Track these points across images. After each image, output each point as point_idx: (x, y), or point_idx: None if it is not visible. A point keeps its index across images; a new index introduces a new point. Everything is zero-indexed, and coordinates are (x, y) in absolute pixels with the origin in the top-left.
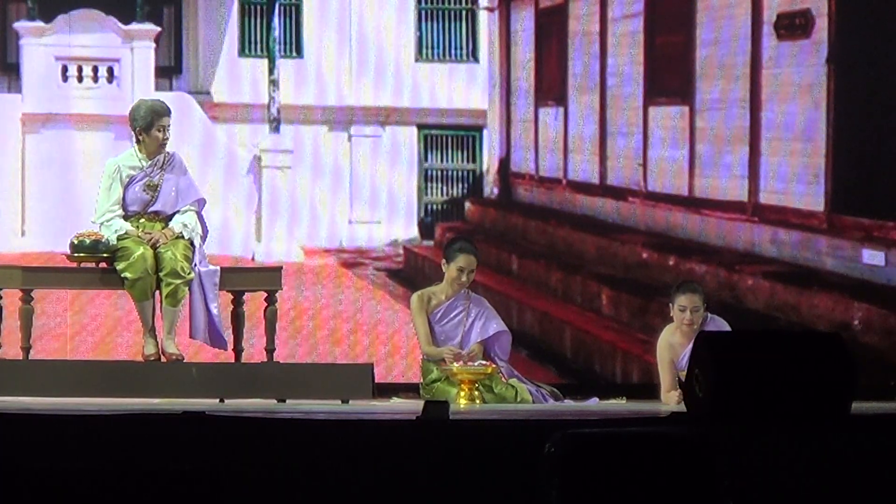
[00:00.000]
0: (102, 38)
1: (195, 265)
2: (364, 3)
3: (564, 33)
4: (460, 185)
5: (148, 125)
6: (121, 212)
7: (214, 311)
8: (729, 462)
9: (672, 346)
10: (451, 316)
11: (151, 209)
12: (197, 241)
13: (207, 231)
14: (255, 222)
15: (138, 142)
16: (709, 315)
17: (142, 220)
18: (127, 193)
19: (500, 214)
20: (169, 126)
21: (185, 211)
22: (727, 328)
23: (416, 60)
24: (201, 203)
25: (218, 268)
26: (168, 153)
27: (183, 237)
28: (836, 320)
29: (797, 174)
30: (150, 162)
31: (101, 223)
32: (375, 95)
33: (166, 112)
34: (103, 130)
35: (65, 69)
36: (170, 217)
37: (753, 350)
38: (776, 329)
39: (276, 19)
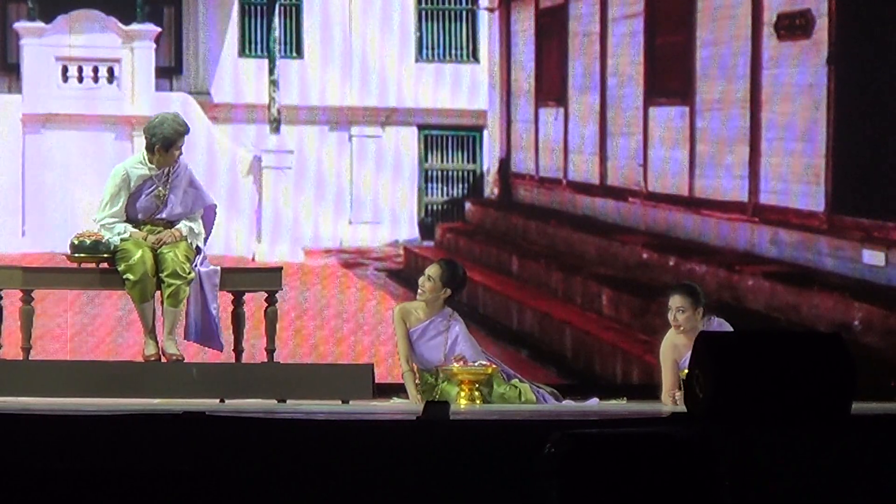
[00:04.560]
0: (102, 39)
1: (195, 265)
2: (364, 4)
3: (565, 34)
4: (461, 186)
5: (169, 144)
6: (123, 217)
7: (214, 311)
8: (729, 462)
9: (675, 347)
10: (432, 335)
11: (157, 217)
12: (199, 243)
13: (209, 234)
14: (256, 223)
15: (150, 151)
16: (711, 317)
17: (147, 226)
18: (134, 201)
19: (500, 215)
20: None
21: (193, 218)
22: (729, 329)
23: (417, 61)
24: (211, 209)
25: (218, 268)
26: (176, 162)
27: (186, 240)
28: (837, 320)
29: (797, 175)
30: (158, 171)
31: (103, 225)
32: (376, 96)
33: (187, 131)
34: (103, 131)
35: (65, 69)
36: (174, 223)
37: (753, 350)
38: (776, 329)
39: (276, 20)
